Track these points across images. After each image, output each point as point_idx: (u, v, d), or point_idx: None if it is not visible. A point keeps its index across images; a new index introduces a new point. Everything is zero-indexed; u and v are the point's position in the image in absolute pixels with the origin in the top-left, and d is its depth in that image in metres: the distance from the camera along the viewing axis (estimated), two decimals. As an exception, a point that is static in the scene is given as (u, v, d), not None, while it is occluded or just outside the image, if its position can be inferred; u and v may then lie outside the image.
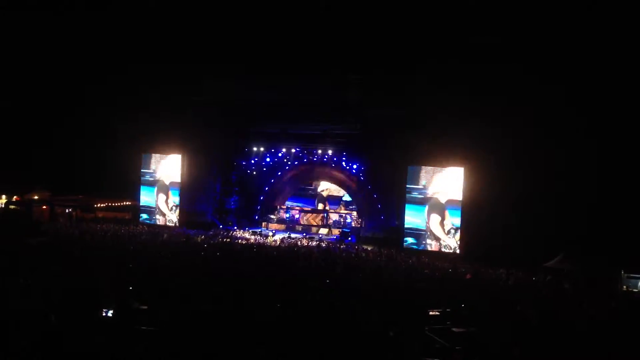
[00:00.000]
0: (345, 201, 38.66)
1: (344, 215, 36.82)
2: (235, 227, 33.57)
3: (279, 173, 37.55)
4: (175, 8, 32.25)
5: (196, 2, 31.95)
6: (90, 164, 36.54)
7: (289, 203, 39.34)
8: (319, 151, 33.93)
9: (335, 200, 39.29)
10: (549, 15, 25.68)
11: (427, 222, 28.27)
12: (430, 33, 27.64)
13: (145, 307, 11.86)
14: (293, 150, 34.87)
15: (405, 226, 28.82)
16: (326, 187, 39.88)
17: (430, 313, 13.13)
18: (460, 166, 27.80)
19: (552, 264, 22.81)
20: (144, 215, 34.72)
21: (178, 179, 33.92)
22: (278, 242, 28.99)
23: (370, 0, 29.51)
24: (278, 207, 38.14)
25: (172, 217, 34.00)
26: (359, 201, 35.38)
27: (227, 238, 29.25)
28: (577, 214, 24.46)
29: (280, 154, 35.36)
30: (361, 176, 33.47)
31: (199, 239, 27.75)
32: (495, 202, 26.11)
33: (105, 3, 32.91)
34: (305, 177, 38.88)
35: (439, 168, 28.27)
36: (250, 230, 32.65)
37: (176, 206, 33.93)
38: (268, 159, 35.90)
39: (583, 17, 24.78)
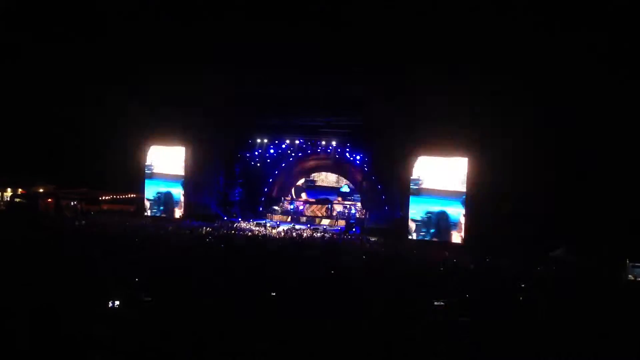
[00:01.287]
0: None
1: (348, 206, 36.87)
2: (240, 219, 33.67)
3: (283, 164, 37.61)
4: (178, 1, 32.22)
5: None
6: (94, 157, 36.66)
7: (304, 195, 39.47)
8: (323, 142, 33.91)
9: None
10: (555, 12, 25.48)
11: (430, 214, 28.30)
12: (434, 24, 27.47)
13: (150, 299, 11.93)
14: (297, 142, 34.86)
15: (410, 217, 28.83)
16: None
17: (435, 303, 13.16)
18: (465, 156, 27.73)
19: (556, 254, 22.82)
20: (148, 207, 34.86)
21: (181, 172, 34.03)
22: (282, 234, 29.05)
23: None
24: (282, 198, 38.26)
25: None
26: (363, 192, 35.40)
27: (232, 230, 29.37)
28: (582, 203, 24.39)
29: (283, 146, 35.37)
30: (365, 167, 33.46)
31: (203, 231, 27.87)
32: (500, 191, 26.07)
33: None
34: (309, 168, 38.97)
35: (443, 158, 28.22)
36: (255, 222, 32.74)
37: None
38: (272, 151, 35.91)
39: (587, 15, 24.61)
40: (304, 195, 39.22)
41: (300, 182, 40.02)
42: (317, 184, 40.78)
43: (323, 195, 39.01)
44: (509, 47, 26.31)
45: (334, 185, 40.05)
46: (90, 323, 9.31)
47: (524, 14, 26.10)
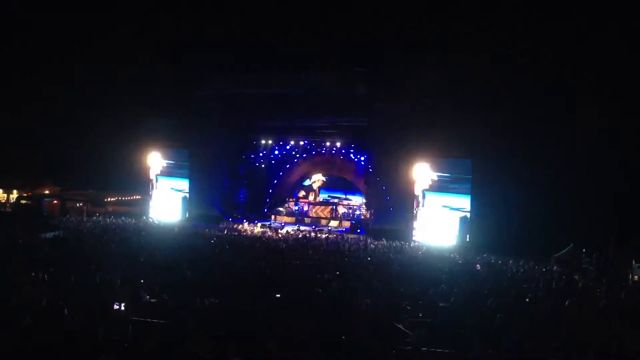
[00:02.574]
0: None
1: (353, 207, 36.84)
2: (245, 220, 33.69)
3: (288, 166, 37.62)
4: (181, 1, 32.31)
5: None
6: (99, 160, 36.78)
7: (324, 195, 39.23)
8: (327, 143, 33.90)
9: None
10: (557, 13, 25.43)
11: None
12: (438, 26, 27.46)
13: (155, 301, 11.93)
14: (301, 143, 34.86)
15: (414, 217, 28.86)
16: (318, 179, 39.76)
17: (440, 305, 13.10)
18: (469, 158, 27.68)
19: (561, 255, 22.72)
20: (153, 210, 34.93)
21: (186, 173, 34.13)
22: (287, 235, 29.03)
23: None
24: (287, 199, 38.26)
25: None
26: (368, 193, 35.38)
27: (236, 231, 29.37)
28: (587, 204, 24.31)
29: (288, 147, 35.38)
30: (370, 168, 33.43)
31: (208, 232, 27.88)
32: (505, 193, 26.01)
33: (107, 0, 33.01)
34: (313, 169, 38.97)
35: (447, 159, 28.19)
36: (260, 223, 32.75)
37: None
38: (276, 152, 35.94)
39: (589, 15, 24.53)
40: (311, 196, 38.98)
41: (316, 179, 39.57)
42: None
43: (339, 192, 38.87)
44: (515, 50, 26.29)
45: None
46: (96, 324, 9.32)
47: (528, 17, 26.07)
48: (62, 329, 9.23)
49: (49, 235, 23.22)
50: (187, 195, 34.07)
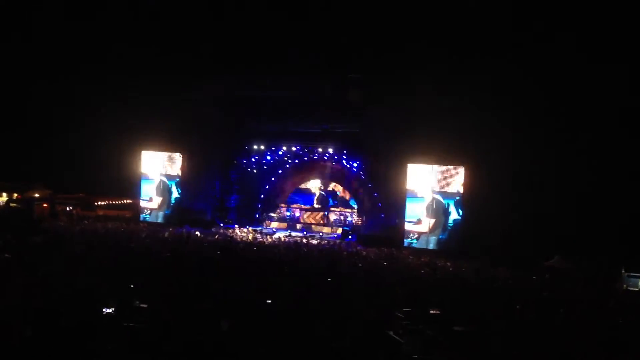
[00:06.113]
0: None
1: (344, 213, 36.83)
2: (236, 226, 33.57)
3: (280, 171, 37.58)
4: (174, 4, 32.28)
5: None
6: (90, 163, 36.58)
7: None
8: (320, 149, 33.93)
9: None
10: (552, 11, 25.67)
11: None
12: (430, 30, 27.60)
13: (145, 306, 11.85)
14: (293, 149, 34.85)
15: (406, 224, 28.93)
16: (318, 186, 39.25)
17: (431, 312, 13.11)
18: (461, 164, 27.81)
19: (551, 263, 22.84)
20: (145, 213, 34.74)
21: (177, 177, 34.04)
22: (279, 241, 28.97)
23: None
24: (279, 205, 38.17)
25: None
26: (360, 199, 35.38)
27: (227, 237, 29.25)
28: (578, 212, 24.47)
29: (280, 152, 35.36)
30: (362, 174, 33.45)
31: (199, 237, 27.74)
32: (496, 200, 26.12)
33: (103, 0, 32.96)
34: (305, 175, 38.88)
35: (439, 166, 28.30)
36: (251, 229, 32.66)
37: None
38: (268, 157, 35.89)
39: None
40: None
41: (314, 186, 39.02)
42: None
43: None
44: (506, 58, 26.49)
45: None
46: (88, 330, 9.27)
47: (518, 24, 26.31)
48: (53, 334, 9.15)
49: (38, 239, 23.02)
50: (178, 199, 33.94)
